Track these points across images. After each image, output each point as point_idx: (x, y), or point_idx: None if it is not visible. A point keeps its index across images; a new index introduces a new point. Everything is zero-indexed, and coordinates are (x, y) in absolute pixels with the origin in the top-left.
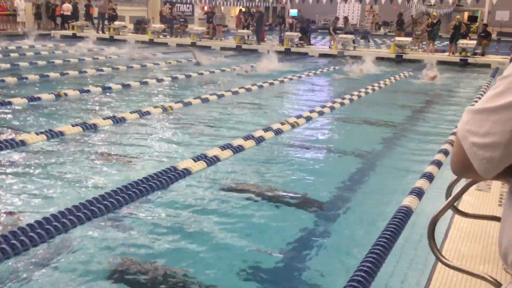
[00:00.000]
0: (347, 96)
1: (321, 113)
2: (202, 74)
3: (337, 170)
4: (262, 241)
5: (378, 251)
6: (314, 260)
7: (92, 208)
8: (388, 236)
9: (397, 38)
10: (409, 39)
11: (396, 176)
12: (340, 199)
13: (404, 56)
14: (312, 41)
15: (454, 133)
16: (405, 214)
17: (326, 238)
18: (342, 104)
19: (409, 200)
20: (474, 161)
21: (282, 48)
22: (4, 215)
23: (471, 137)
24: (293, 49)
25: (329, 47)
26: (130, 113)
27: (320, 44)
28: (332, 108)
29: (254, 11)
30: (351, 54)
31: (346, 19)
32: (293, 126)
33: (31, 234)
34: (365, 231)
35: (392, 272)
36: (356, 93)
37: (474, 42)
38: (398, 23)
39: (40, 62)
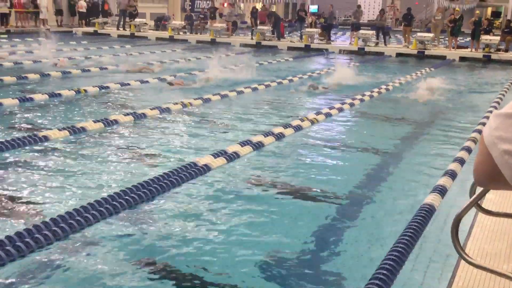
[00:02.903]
0: (367, 93)
1: (340, 110)
2: (220, 70)
3: (357, 166)
4: (282, 237)
5: (400, 249)
6: (334, 257)
7: (114, 203)
8: (410, 234)
9: (419, 34)
10: (431, 35)
11: (418, 173)
12: (361, 196)
13: (426, 52)
14: (332, 37)
15: (476, 131)
16: (427, 212)
17: (346, 235)
18: (362, 100)
19: (431, 198)
20: (506, 171)
21: (302, 45)
22: (27, 209)
23: (502, 144)
24: (312, 45)
25: (350, 43)
26: (150, 109)
27: (340, 41)
28: (352, 104)
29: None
30: (372, 50)
31: (382, 11)
32: (312, 122)
33: (54, 228)
34: (386, 229)
35: (412, 269)
36: (376, 89)
37: (498, 38)
38: (407, 18)
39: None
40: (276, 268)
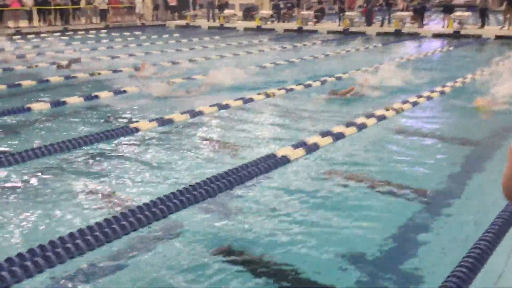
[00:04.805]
0: (459, 79)
1: (429, 98)
2: (304, 60)
3: (444, 159)
4: (362, 230)
5: (482, 247)
6: (415, 252)
7: (194, 193)
8: (495, 231)
9: None
10: None
11: None
12: (447, 191)
13: None
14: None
15: None
16: None
17: (429, 230)
18: (453, 87)
19: None
20: None
21: (392, 29)
22: (115, 197)
23: None
24: (404, 30)
25: (443, 26)
26: (234, 100)
27: (433, 24)
28: (442, 92)
29: None
30: (470, 34)
31: None
32: (397, 112)
33: (139, 215)
34: (472, 225)
35: (491, 269)
36: (469, 75)
37: None
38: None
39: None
40: (354, 262)
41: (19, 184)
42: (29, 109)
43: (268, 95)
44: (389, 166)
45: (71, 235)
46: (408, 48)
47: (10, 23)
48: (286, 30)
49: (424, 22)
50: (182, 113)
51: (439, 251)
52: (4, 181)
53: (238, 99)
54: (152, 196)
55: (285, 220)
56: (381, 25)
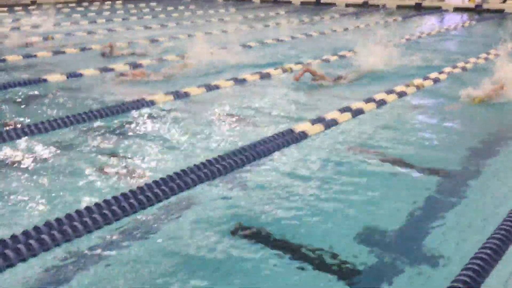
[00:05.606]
0: (482, 55)
1: (450, 74)
2: (323, 33)
3: (466, 139)
4: (378, 210)
5: (500, 237)
6: (430, 238)
7: (211, 168)
8: None
9: None
10: None
11: None
12: (467, 172)
13: None
14: None
15: None
16: None
17: (448, 213)
18: (475, 64)
19: None
20: None
21: (412, 3)
22: (133, 171)
23: None
24: (424, 3)
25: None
26: (251, 74)
27: None
28: (464, 68)
29: None
30: (493, 8)
31: None
32: (418, 88)
33: (156, 190)
34: (489, 210)
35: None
36: (493, 51)
37: None
38: None
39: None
40: (371, 242)
41: (34, 156)
42: (45, 80)
43: (285, 70)
44: (409, 143)
45: (88, 208)
46: (429, 22)
47: None
48: (302, 3)
49: None
50: (198, 87)
51: (457, 235)
52: (20, 153)
53: (254, 73)
54: (169, 171)
55: (302, 197)
56: None
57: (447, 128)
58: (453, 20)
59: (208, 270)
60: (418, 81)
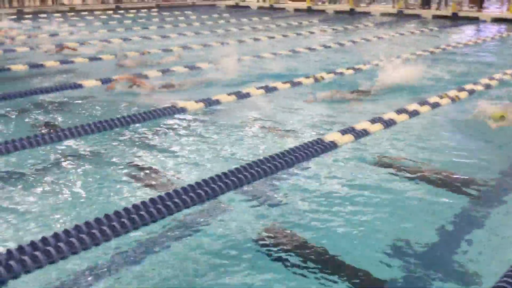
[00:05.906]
0: None
1: (487, 86)
2: (355, 42)
3: (502, 152)
4: (410, 222)
5: None
6: (465, 249)
7: (239, 175)
8: None
9: None
10: None
11: None
12: (501, 188)
13: None
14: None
15: None
16: None
17: (481, 227)
18: None
19: None
20: None
21: (449, 13)
22: (160, 177)
23: None
24: (461, 13)
25: (503, 9)
26: (282, 83)
27: (493, 8)
28: (501, 80)
29: None
30: None
31: None
32: (453, 100)
33: (184, 197)
34: None
35: None
36: None
37: None
38: None
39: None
40: (400, 255)
41: (66, 160)
42: (80, 85)
43: (316, 79)
44: (442, 156)
45: (117, 213)
46: (466, 32)
47: (65, 0)
48: (337, 12)
49: (484, 5)
50: (229, 94)
51: (489, 252)
52: (54, 156)
53: (285, 82)
54: (197, 178)
55: (330, 207)
56: (438, 8)
57: (482, 141)
58: (491, 30)
59: (233, 278)
60: (453, 92)
